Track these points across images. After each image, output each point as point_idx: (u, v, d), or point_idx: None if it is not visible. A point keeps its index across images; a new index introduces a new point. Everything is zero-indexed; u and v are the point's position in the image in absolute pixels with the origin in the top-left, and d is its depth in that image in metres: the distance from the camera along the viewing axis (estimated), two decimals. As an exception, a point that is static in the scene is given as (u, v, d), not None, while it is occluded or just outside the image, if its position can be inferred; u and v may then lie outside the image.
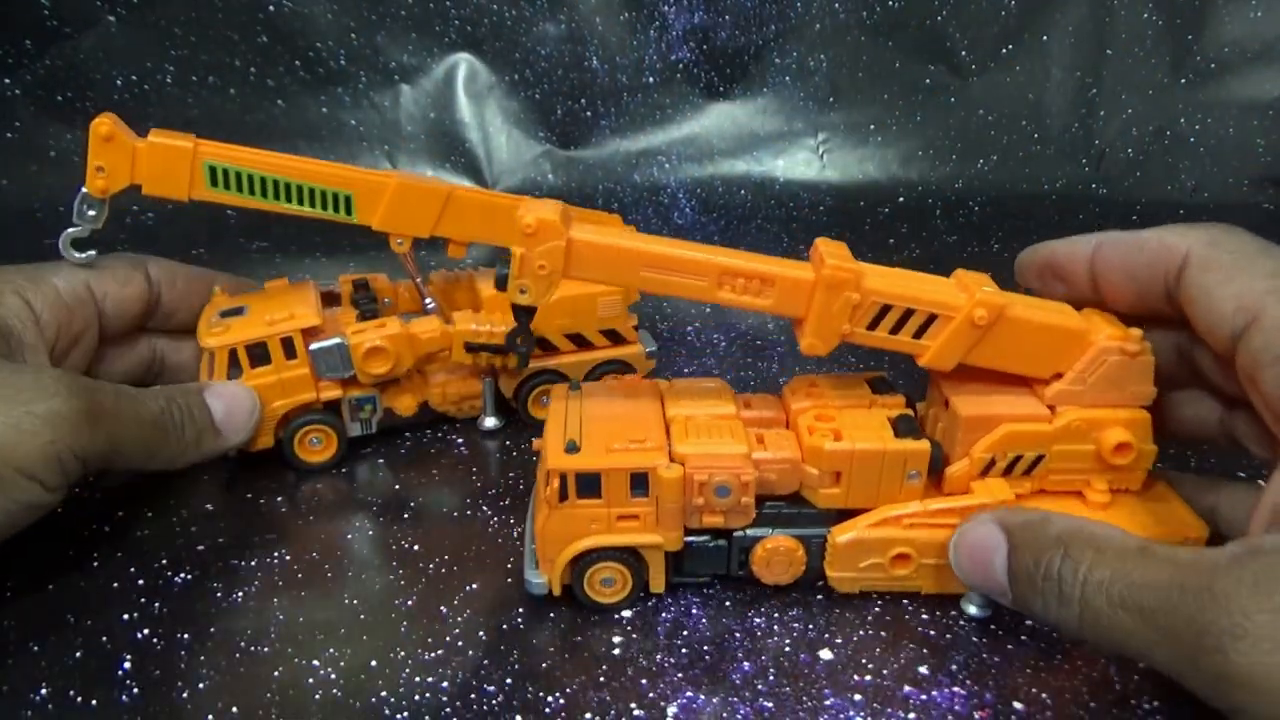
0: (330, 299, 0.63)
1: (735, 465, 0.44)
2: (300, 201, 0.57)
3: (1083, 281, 0.45)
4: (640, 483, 0.44)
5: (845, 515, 0.47)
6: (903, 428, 0.46)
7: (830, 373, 0.52)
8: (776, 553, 0.46)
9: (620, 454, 0.44)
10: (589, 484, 0.44)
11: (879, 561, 0.46)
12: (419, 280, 0.62)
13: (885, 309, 0.45)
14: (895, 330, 0.46)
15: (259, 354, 0.56)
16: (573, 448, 0.45)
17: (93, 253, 0.56)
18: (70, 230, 0.55)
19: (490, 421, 0.63)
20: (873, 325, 0.45)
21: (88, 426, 0.45)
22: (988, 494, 0.45)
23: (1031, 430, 0.46)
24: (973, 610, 0.46)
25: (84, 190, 0.54)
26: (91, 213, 0.55)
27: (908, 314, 0.45)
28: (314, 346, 0.57)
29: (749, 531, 0.46)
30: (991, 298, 0.44)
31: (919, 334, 0.46)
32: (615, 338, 0.65)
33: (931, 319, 0.45)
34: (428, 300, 0.63)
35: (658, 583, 0.47)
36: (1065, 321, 0.45)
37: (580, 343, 0.64)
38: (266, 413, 0.57)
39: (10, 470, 0.42)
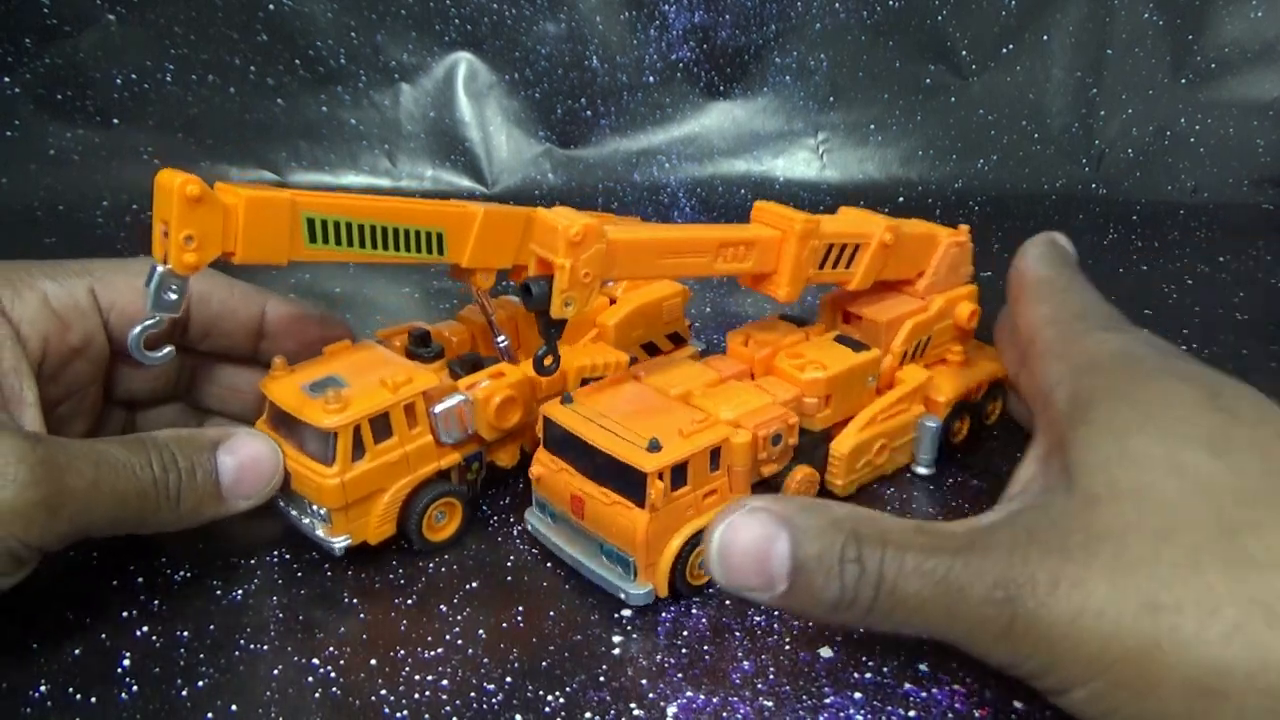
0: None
1: (779, 414, 0.49)
2: (397, 247, 0.48)
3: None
4: (714, 457, 0.46)
5: (828, 434, 0.54)
6: (851, 345, 0.55)
7: (751, 322, 0.59)
8: (804, 482, 0.52)
9: (693, 436, 0.45)
10: (679, 474, 0.45)
11: (868, 459, 0.54)
12: (492, 317, 0.55)
13: (829, 248, 0.53)
14: (835, 265, 0.54)
15: (381, 427, 0.48)
16: (655, 445, 0.44)
17: (170, 349, 0.46)
18: (144, 324, 0.44)
19: None
20: (822, 265, 0.53)
21: (45, 517, 0.39)
22: (911, 379, 0.56)
23: (924, 319, 0.57)
24: (922, 471, 0.57)
25: (164, 269, 0.43)
26: (173, 297, 0.43)
27: (843, 249, 0.54)
28: (438, 409, 0.50)
29: (780, 471, 0.51)
30: (894, 223, 0.54)
31: (849, 264, 0.54)
32: (677, 339, 0.64)
33: (857, 249, 0.54)
34: (500, 338, 0.55)
35: None
36: (923, 229, 0.57)
37: (651, 350, 0.63)
38: (388, 497, 0.49)
39: None
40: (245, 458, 0.46)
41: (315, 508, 0.48)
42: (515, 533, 0.53)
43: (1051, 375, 0.40)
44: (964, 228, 0.58)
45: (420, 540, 0.51)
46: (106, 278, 0.48)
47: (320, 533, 0.48)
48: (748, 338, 0.55)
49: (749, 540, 0.35)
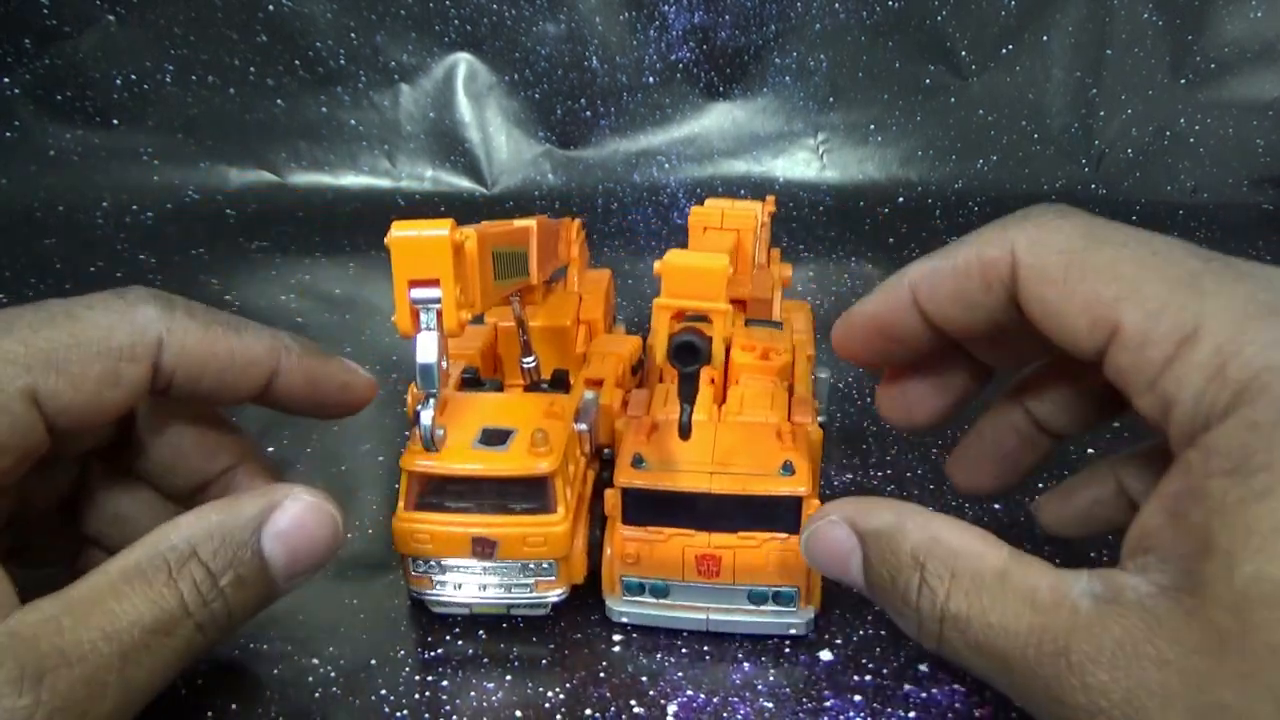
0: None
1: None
2: (507, 274, 0.45)
3: (919, 332, 0.38)
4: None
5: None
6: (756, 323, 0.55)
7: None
8: None
9: (797, 450, 0.44)
10: None
11: None
12: (527, 337, 0.52)
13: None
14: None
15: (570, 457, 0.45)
16: (790, 469, 0.42)
17: (440, 431, 0.39)
18: (430, 407, 0.38)
19: None
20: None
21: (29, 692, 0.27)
22: None
23: None
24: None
25: (438, 335, 0.36)
26: (445, 364, 0.37)
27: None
28: (581, 425, 0.47)
29: None
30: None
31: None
32: None
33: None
34: (528, 360, 0.52)
35: None
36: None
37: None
38: (584, 526, 0.45)
39: None
40: (295, 530, 0.35)
41: (532, 566, 0.44)
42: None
43: (1186, 385, 0.28)
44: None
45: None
46: (56, 375, 0.32)
47: (535, 593, 0.44)
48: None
49: (829, 552, 0.36)
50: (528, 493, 0.43)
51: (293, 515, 0.35)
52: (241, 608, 0.34)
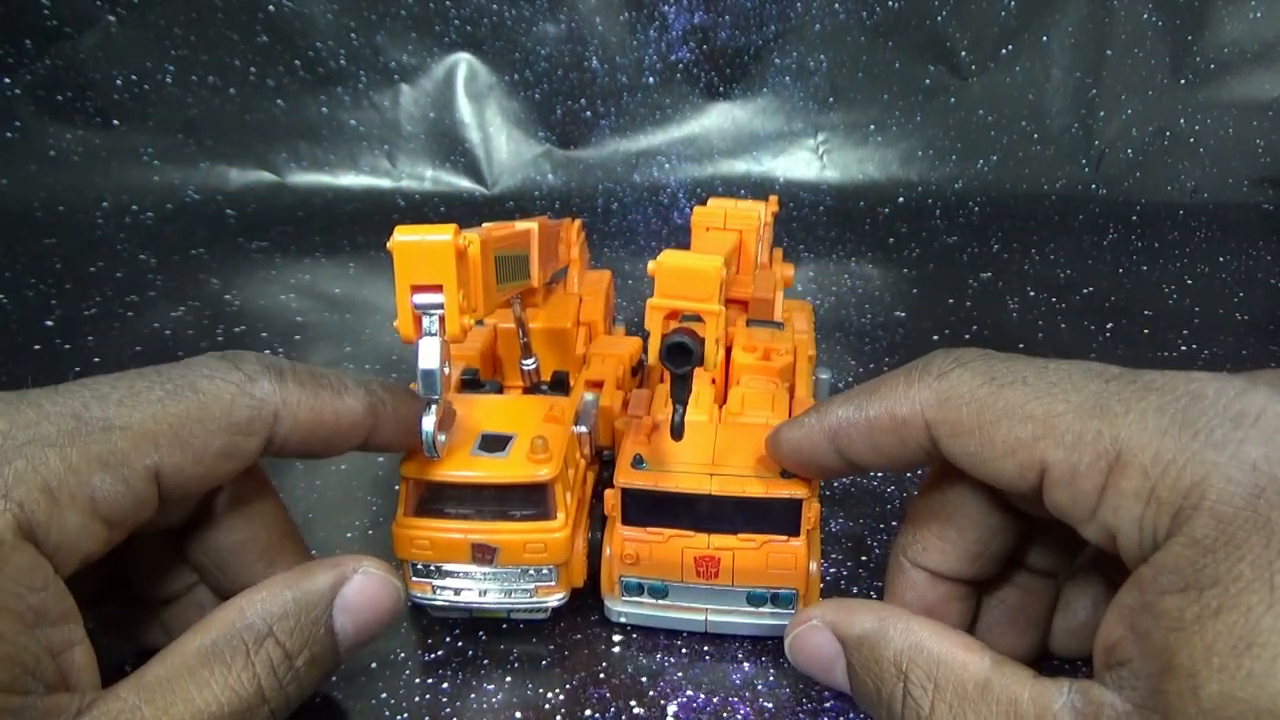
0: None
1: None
2: (509, 277, 0.44)
3: (840, 467, 0.38)
4: None
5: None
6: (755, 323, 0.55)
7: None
8: None
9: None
10: None
11: None
12: (527, 339, 0.51)
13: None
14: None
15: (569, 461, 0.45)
16: (789, 472, 0.42)
17: (442, 437, 0.39)
18: (433, 416, 0.38)
19: None
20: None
21: None
22: None
23: None
24: None
25: (440, 340, 0.36)
26: (448, 370, 0.38)
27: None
28: (580, 428, 0.46)
29: None
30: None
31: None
32: None
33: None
34: (529, 361, 0.51)
35: None
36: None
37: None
38: (583, 531, 0.45)
39: None
40: (364, 603, 0.34)
41: (532, 572, 0.43)
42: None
43: (1124, 514, 0.28)
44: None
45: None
46: (181, 451, 0.32)
47: (535, 597, 0.44)
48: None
49: (814, 658, 0.36)
50: (528, 499, 0.42)
51: (361, 589, 0.34)
52: (311, 686, 0.33)
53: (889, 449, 0.35)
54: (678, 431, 0.41)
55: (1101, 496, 0.29)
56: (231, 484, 0.36)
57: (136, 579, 0.39)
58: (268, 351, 0.73)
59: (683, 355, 0.37)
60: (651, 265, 0.38)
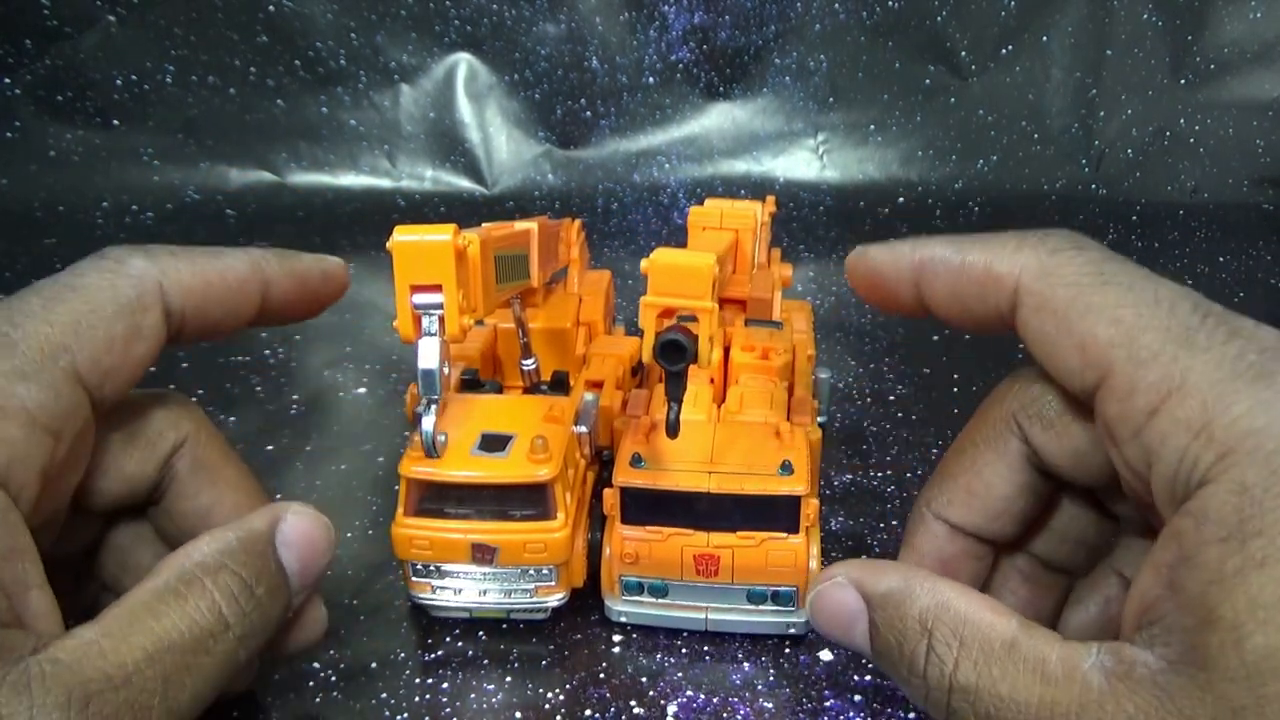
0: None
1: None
2: (509, 277, 0.44)
3: (910, 301, 0.38)
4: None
5: None
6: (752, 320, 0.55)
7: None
8: None
9: (796, 449, 0.44)
10: None
11: None
12: (527, 340, 0.52)
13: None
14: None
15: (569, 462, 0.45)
16: (789, 468, 0.42)
17: (442, 437, 0.41)
18: (430, 414, 0.39)
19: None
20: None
21: None
22: None
23: None
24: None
25: (440, 340, 0.37)
26: (447, 369, 0.38)
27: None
28: (580, 428, 0.46)
29: None
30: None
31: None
32: None
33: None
34: (529, 361, 0.51)
35: None
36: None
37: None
38: (584, 531, 0.45)
39: None
40: (301, 538, 0.35)
41: (532, 572, 0.44)
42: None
43: (1169, 440, 0.28)
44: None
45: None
46: (88, 343, 0.32)
47: (535, 597, 0.44)
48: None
49: (835, 614, 0.35)
50: (528, 499, 0.42)
51: (295, 526, 0.35)
52: (274, 619, 0.34)
53: (968, 300, 0.35)
54: (673, 429, 0.40)
55: (1151, 418, 0.28)
56: (190, 450, 0.37)
57: (117, 581, 0.39)
58: (267, 351, 0.74)
59: (676, 352, 0.37)
60: (644, 263, 0.38)
